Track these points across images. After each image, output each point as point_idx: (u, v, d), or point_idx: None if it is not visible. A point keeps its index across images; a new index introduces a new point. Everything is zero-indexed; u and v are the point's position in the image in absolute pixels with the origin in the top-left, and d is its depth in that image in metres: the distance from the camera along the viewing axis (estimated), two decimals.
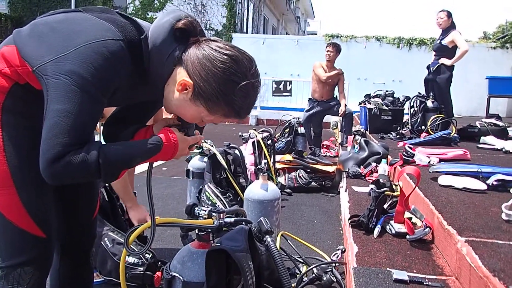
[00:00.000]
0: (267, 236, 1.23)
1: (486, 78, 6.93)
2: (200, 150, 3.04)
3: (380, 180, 2.30)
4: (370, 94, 5.78)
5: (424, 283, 1.41)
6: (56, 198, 1.22)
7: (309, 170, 4.06)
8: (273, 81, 10.33)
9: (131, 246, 1.27)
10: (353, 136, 4.22)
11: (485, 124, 4.49)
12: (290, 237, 2.35)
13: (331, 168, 4.07)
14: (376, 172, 3.15)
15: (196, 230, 1.30)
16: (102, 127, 1.26)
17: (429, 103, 4.88)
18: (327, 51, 5.30)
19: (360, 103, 5.93)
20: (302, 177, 3.96)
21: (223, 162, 2.92)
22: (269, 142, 3.84)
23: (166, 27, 1.01)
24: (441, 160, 2.96)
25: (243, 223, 1.35)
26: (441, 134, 4.03)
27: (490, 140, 3.98)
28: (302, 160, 4.20)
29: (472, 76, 10.15)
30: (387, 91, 5.60)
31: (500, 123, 4.53)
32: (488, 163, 2.90)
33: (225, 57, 0.99)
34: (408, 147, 3.27)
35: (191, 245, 1.32)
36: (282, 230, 2.38)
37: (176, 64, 1.02)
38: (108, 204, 2.09)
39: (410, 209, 1.90)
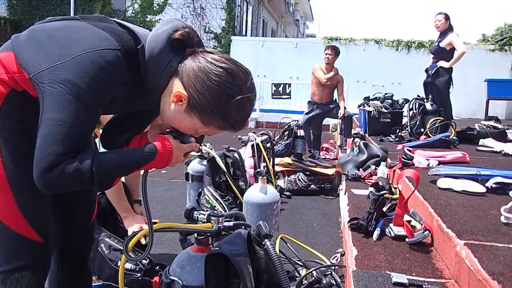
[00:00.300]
0: (266, 240, 1.23)
1: (485, 81, 6.94)
2: (199, 153, 3.04)
3: (379, 183, 2.30)
4: (369, 97, 5.79)
5: (424, 286, 1.40)
6: (54, 203, 1.22)
7: (308, 173, 4.06)
8: (272, 83, 10.35)
9: (129, 253, 1.27)
10: (352, 138, 4.22)
11: (484, 127, 4.50)
12: (290, 240, 2.35)
13: (330, 171, 4.06)
14: (375, 174, 3.14)
15: (195, 234, 1.30)
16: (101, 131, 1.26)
17: (428, 106, 4.89)
18: (326, 54, 5.31)
19: (359, 106, 5.94)
20: (302, 180, 3.96)
21: (222, 165, 2.92)
22: (268, 145, 3.84)
23: (164, 37, 1.00)
24: (440, 163, 2.96)
25: (242, 227, 1.35)
26: (440, 136, 4.03)
27: (489, 143, 3.98)
28: (302, 163, 4.20)
29: (471, 79, 10.17)
30: (386, 93, 5.61)
31: (499, 126, 4.54)
32: (487, 165, 2.91)
33: (221, 70, 0.98)
34: (407, 149, 3.27)
35: (190, 249, 1.32)
36: (282, 233, 2.37)
37: (172, 75, 1.01)
38: (108, 209, 2.08)
39: (409, 212, 1.90)
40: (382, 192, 2.05)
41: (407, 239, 1.80)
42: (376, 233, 1.88)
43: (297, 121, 5.40)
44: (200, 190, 2.90)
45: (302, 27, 27.53)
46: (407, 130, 4.96)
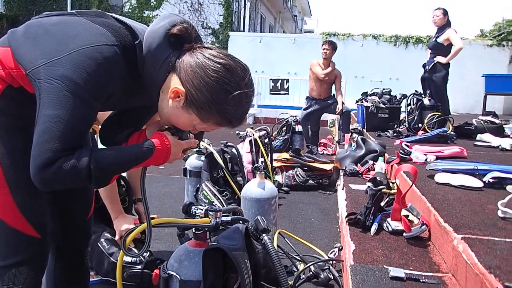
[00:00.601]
0: (264, 235, 1.23)
1: (482, 76, 6.95)
2: (197, 149, 3.04)
3: (377, 178, 2.31)
4: (367, 92, 5.79)
5: (421, 280, 1.41)
6: (51, 199, 1.22)
7: (306, 168, 4.06)
8: (270, 79, 10.33)
9: (129, 246, 1.27)
10: (350, 134, 4.22)
11: (482, 122, 4.51)
12: (288, 235, 2.35)
13: (328, 166, 4.07)
14: (373, 170, 3.15)
15: (193, 229, 1.30)
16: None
17: (426, 101, 4.89)
18: (323, 49, 5.30)
19: (357, 101, 5.94)
20: (300, 175, 3.96)
21: (220, 161, 2.92)
22: (266, 140, 3.84)
23: (161, 32, 0.99)
24: (437, 158, 2.97)
25: (240, 221, 1.35)
26: (438, 132, 4.05)
27: (487, 138, 3.99)
28: (300, 158, 4.20)
29: (468, 74, 10.17)
30: (384, 89, 5.62)
31: (497, 121, 4.55)
32: (485, 160, 2.92)
33: (218, 66, 0.97)
34: (405, 145, 3.28)
35: (188, 244, 1.32)
36: (280, 228, 2.38)
37: (170, 70, 1.00)
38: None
39: (407, 206, 1.91)
40: (379, 187, 2.06)
41: (404, 234, 1.81)
42: (373, 228, 1.89)
43: (295, 116, 5.40)
44: (198, 185, 2.90)
45: (300, 22, 27.46)
46: (405, 125, 4.97)
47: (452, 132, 4.12)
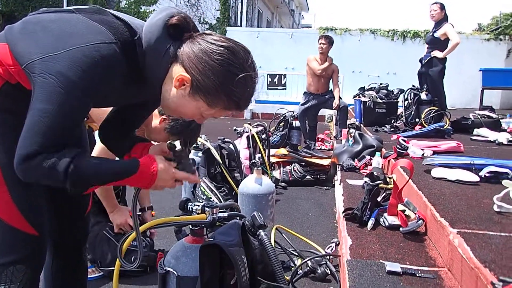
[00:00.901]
0: (260, 230, 1.24)
1: (479, 70, 6.93)
2: (194, 145, 3.04)
3: (374, 173, 2.31)
4: (364, 87, 5.78)
5: (417, 275, 1.42)
6: (48, 196, 1.21)
7: (303, 163, 4.07)
8: (267, 74, 10.30)
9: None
10: (347, 129, 4.23)
11: (479, 116, 4.51)
12: (285, 230, 2.36)
13: (325, 162, 4.08)
14: (370, 165, 3.16)
15: (190, 225, 1.30)
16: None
17: (423, 96, 4.90)
18: (320, 44, 5.30)
19: (354, 96, 5.94)
20: (297, 171, 3.97)
21: (218, 157, 2.93)
22: (263, 136, 3.84)
23: (159, 24, 0.99)
24: (434, 153, 2.97)
25: (237, 217, 1.35)
26: (435, 126, 4.05)
27: (484, 132, 4.00)
28: (297, 153, 4.21)
29: (466, 68, 10.17)
30: (381, 84, 5.61)
31: (494, 115, 4.56)
32: (481, 155, 2.93)
33: (222, 49, 0.97)
34: (402, 140, 3.29)
35: (185, 240, 1.32)
36: (277, 224, 2.39)
37: (172, 61, 1.00)
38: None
39: (403, 201, 1.91)
40: (376, 182, 2.07)
41: (401, 229, 1.82)
42: (370, 223, 1.90)
43: (293, 112, 5.40)
44: None
45: (297, 17, 27.37)
46: (402, 120, 4.98)
47: (449, 127, 4.13)
